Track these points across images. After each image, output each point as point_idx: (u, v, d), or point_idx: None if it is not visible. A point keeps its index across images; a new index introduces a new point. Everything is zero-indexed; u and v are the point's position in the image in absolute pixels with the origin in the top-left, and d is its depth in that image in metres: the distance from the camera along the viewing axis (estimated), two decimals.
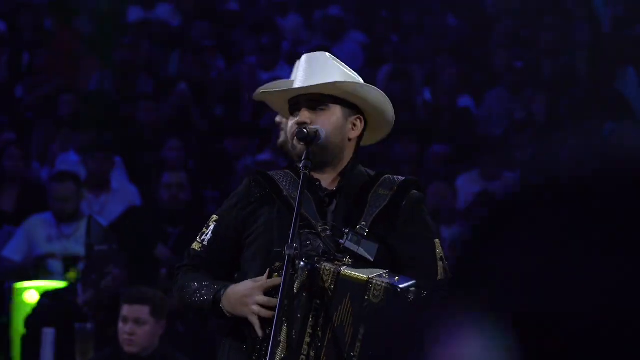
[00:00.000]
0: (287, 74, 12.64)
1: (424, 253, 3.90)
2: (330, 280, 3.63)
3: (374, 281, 3.57)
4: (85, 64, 12.81)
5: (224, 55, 13.22)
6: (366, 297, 3.57)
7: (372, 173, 4.03)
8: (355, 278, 3.60)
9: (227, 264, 3.95)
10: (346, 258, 3.72)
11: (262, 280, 3.75)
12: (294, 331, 3.62)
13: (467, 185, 10.50)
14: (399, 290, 3.55)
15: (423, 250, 3.91)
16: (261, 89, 4.08)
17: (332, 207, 3.92)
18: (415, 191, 3.97)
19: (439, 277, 3.87)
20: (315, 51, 4.19)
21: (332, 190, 3.94)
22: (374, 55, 13.07)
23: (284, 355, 3.57)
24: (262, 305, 3.70)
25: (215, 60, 12.99)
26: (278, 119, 4.37)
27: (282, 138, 4.29)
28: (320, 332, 3.63)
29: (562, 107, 11.83)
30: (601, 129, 9.68)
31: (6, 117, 11.73)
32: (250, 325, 3.76)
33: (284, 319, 3.58)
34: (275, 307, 3.64)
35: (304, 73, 3.97)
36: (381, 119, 4.08)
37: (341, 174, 3.97)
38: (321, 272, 3.64)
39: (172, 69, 13.03)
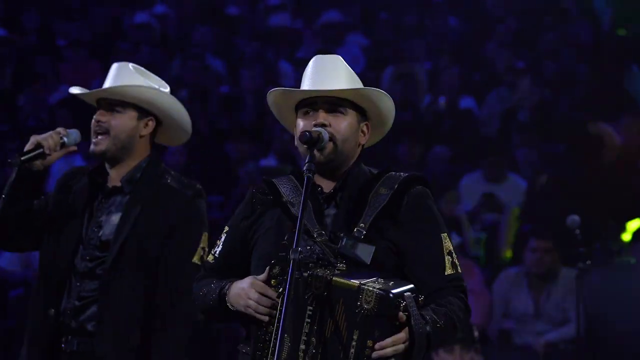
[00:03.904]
0: (289, 77, 12.68)
1: (430, 248, 3.87)
2: (322, 288, 3.63)
3: (366, 287, 3.57)
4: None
5: (225, 60, 13.23)
6: (358, 303, 3.57)
7: (375, 171, 4.00)
8: (347, 285, 3.61)
9: (238, 273, 3.93)
10: (341, 263, 3.72)
11: (262, 278, 3.75)
12: (288, 338, 3.63)
13: (471, 187, 10.50)
14: (390, 295, 3.56)
15: (429, 245, 3.87)
16: (277, 89, 4.06)
17: (332, 209, 3.90)
18: (419, 186, 3.94)
19: (446, 272, 3.85)
20: (317, 54, 4.16)
21: (330, 192, 3.92)
22: (376, 58, 13.06)
23: None
24: (257, 303, 3.71)
25: (217, 64, 12.99)
26: None
27: None
28: (314, 339, 3.62)
29: (563, 106, 11.83)
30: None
31: (9, 125, 11.75)
32: (253, 327, 3.76)
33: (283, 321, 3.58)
34: (267, 305, 3.68)
35: (321, 74, 3.95)
36: (384, 127, 4.09)
37: (342, 177, 3.95)
38: (314, 280, 3.64)
39: (174, 74, 13.03)
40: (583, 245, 7.31)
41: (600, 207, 9.05)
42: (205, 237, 4.77)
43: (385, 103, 4.01)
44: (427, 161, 10.84)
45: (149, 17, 14.04)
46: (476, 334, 7.04)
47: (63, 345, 4.61)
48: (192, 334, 4.70)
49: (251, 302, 3.72)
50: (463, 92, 12.20)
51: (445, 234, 3.92)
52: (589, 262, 7.17)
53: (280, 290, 3.66)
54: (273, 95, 4.03)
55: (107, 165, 4.83)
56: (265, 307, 3.70)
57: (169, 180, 4.81)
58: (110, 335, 4.56)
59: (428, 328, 3.65)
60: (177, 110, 4.93)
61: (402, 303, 3.57)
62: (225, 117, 12.09)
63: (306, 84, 3.97)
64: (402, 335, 3.58)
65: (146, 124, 4.86)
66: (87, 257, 4.69)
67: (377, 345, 3.55)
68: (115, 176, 4.81)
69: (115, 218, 4.71)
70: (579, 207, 7.99)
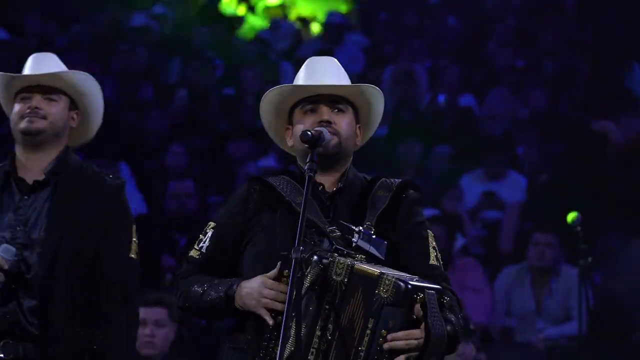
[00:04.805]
0: (289, 78, 12.67)
1: (418, 242, 3.92)
2: (343, 274, 3.63)
3: (385, 276, 3.57)
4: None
5: (225, 60, 13.22)
6: (376, 291, 3.56)
7: (368, 177, 4.02)
8: (368, 272, 3.61)
9: (225, 270, 3.91)
10: (358, 255, 3.72)
11: (272, 275, 3.73)
12: (305, 324, 3.61)
13: (472, 185, 10.49)
14: (409, 286, 3.54)
15: (417, 238, 3.92)
16: (282, 86, 4.00)
17: (332, 209, 3.90)
18: (411, 191, 3.98)
19: (431, 262, 3.89)
20: (316, 54, 4.15)
21: (332, 192, 3.93)
22: (376, 58, 13.06)
23: (294, 348, 3.56)
24: (274, 300, 3.69)
25: (216, 65, 12.99)
26: None
27: None
28: (331, 326, 3.62)
29: (564, 105, 11.84)
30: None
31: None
32: (254, 322, 3.76)
33: (293, 314, 3.56)
34: (283, 300, 3.64)
35: (320, 73, 3.94)
36: (367, 133, 4.10)
37: (341, 177, 3.96)
38: (335, 266, 3.64)
39: (173, 75, 13.03)
40: (584, 242, 7.31)
41: (601, 204, 9.06)
42: (134, 229, 4.59)
43: (380, 104, 4.04)
44: (428, 160, 10.84)
45: (147, 18, 14.04)
46: (472, 326, 7.03)
47: (2, 354, 4.39)
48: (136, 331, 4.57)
49: (265, 300, 3.70)
50: (463, 90, 12.20)
51: (431, 232, 3.99)
52: (590, 259, 7.18)
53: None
54: (275, 93, 3.97)
55: (24, 156, 4.59)
56: (281, 302, 3.67)
57: (90, 172, 4.60)
58: (52, 337, 4.38)
59: (449, 327, 3.64)
60: (99, 113, 4.74)
61: (419, 296, 3.55)
62: (226, 118, 12.09)
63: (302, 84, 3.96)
64: (417, 331, 3.56)
65: (73, 117, 4.68)
66: (18, 259, 4.43)
67: (389, 336, 3.54)
68: (34, 167, 4.57)
69: (42, 215, 4.48)
70: (579, 205, 7.99)
